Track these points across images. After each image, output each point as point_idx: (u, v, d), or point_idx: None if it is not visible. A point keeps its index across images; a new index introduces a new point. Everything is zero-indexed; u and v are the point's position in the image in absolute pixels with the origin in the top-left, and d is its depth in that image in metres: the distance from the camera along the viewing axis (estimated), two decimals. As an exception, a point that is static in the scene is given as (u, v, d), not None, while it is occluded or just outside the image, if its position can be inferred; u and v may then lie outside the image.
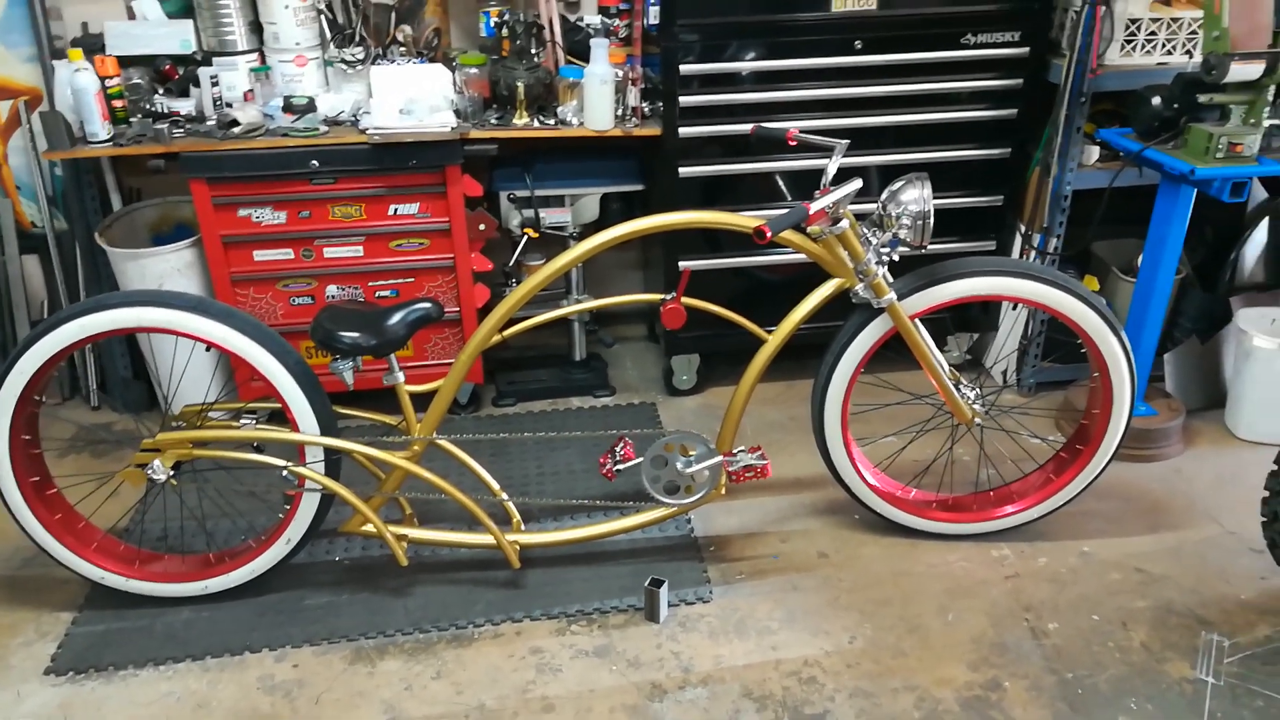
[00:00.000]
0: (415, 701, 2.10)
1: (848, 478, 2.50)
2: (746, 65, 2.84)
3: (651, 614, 2.30)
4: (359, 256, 2.92)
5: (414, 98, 2.83)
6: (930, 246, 3.12)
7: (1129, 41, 2.79)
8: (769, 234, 1.85)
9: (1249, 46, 2.39)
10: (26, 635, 2.29)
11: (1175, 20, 2.78)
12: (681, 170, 2.94)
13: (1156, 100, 2.59)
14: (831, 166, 2.22)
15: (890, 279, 2.30)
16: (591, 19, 3.05)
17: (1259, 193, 3.12)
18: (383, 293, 2.99)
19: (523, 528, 2.49)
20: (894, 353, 2.40)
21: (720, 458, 2.33)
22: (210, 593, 2.34)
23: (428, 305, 2.24)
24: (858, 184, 2.09)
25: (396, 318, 2.19)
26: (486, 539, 2.36)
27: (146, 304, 2.11)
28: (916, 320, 2.35)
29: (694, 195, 2.99)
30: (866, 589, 2.41)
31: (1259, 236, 3.14)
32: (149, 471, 2.17)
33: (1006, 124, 3.00)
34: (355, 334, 2.15)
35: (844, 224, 2.14)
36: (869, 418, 2.77)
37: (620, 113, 2.93)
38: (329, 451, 2.26)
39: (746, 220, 2.16)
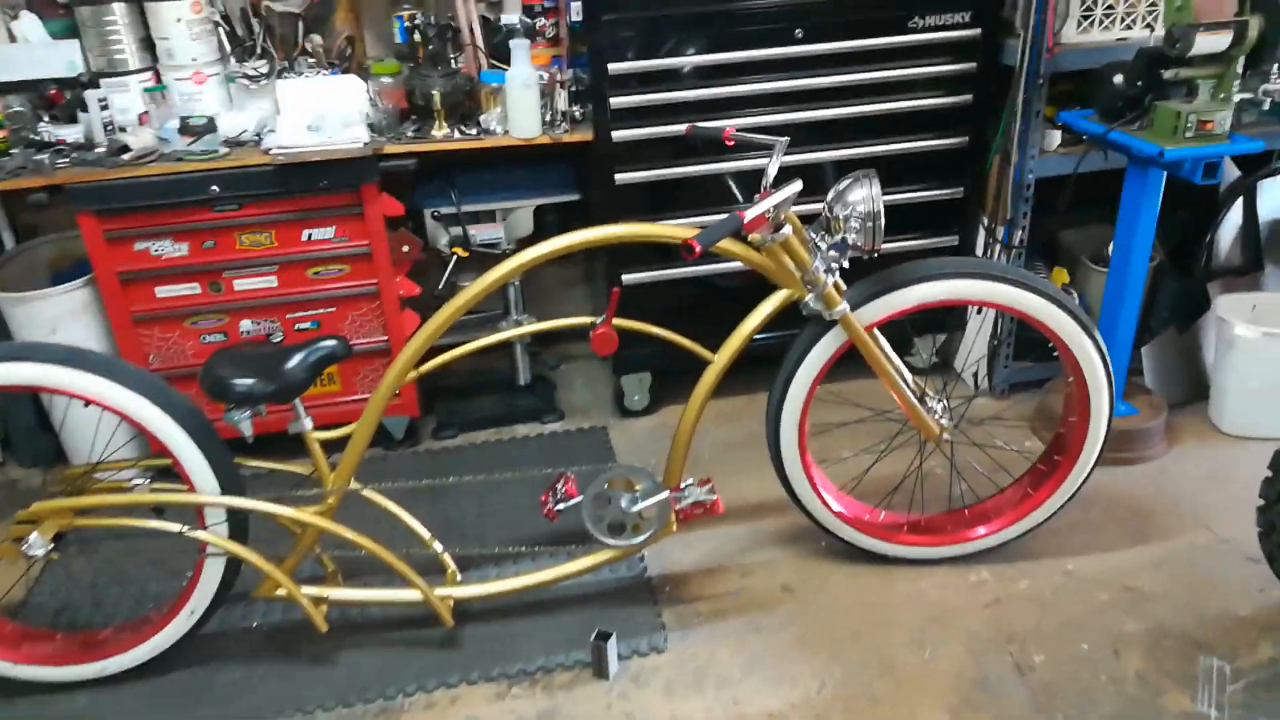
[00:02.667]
0: (335, 789, 1.87)
1: (809, 503, 2.29)
2: (680, 60, 2.63)
3: (600, 670, 2.09)
4: (273, 288, 2.69)
5: (323, 112, 2.61)
6: (890, 245, 2.96)
7: (1086, 17, 2.61)
8: (698, 248, 1.64)
9: (1213, 16, 2.21)
10: (-100, 735, 2.05)
11: (1135, -8, 2.61)
12: (618, 177, 2.73)
13: (1119, 79, 2.40)
14: (772, 167, 2.01)
15: (844, 286, 2.11)
16: (510, 19, 2.81)
17: (1232, 171, 2.95)
18: (303, 325, 2.76)
19: (459, 579, 2.27)
20: (856, 363, 2.19)
21: (668, 494, 2.12)
22: (109, 674, 2.10)
23: (332, 343, 2.02)
24: (797, 186, 1.88)
25: (296, 360, 1.96)
26: (416, 595, 2.13)
27: (7, 359, 1.88)
28: (875, 330, 2.16)
29: (638, 202, 2.78)
30: (835, 625, 2.21)
31: (1234, 218, 2.98)
32: (25, 546, 1.93)
33: (963, 111, 2.81)
34: (250, 380, 1.92)
35: (786, 230, 1.94)
36: (833, 435, 2.57)
37: (549, 118, 2.71)
38: (233, 510, 2.03)
39: (681, 232, 1.96)
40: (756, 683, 2.05)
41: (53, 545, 1.95)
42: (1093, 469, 2.24)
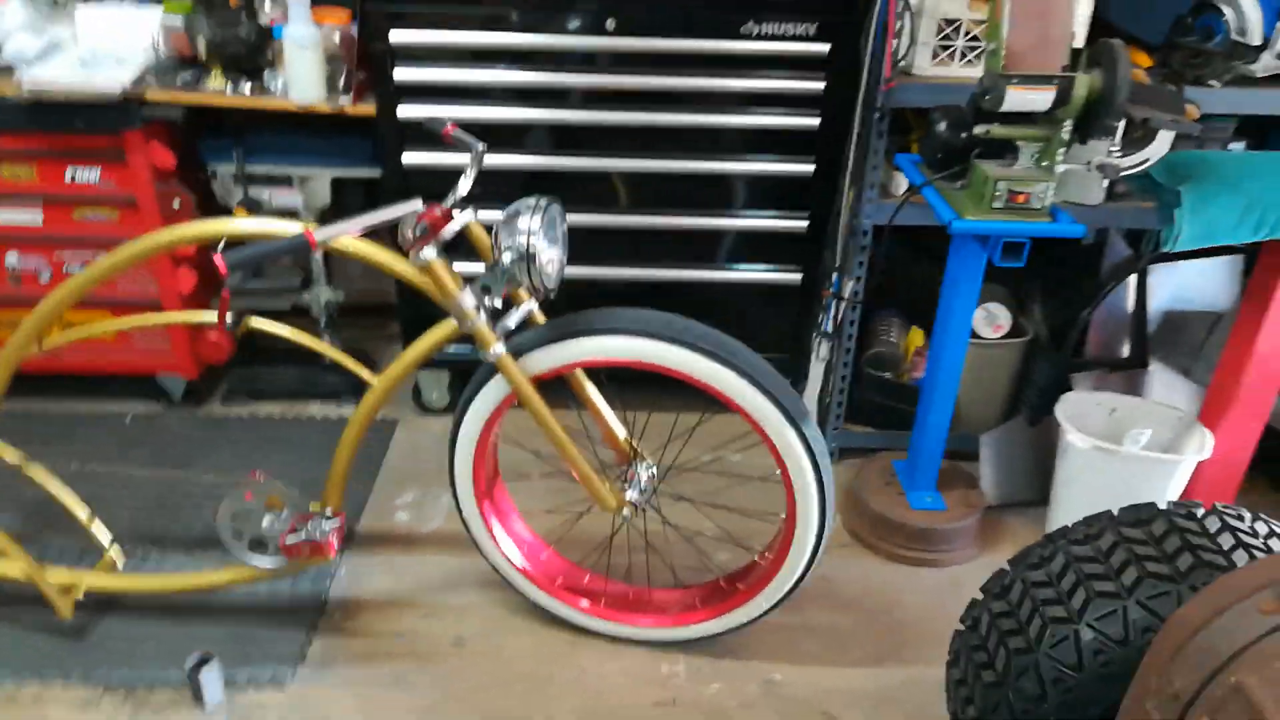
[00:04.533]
0: None
1: (487, 552, 2.05)
2: (472, 36, 2.34)
3: (197, 697, 1.91)
4: (38, 226, 2.56)
5: (103, 46, 2.44)
6: (731, 276, 2.64)
7: (945, 47, 2.22)
8: (224, 269, 1.40)
9: (1035, 65, 1.81)
10: None
11: (1004, 23, 2.19)
12: (406, 158, 2.48)
13: (943, 125, 2.02)
14: (465, 179, 1.76)
15: (541, 320, 1.84)
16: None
17: (1121, 247, 2.52)
18: (73, 266, 2.62)
19: (118, 566, 2.12)
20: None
21: (291, 522, 1.91)
22: None
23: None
24: (415, 205, 1.62)
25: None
26: (20, 575, 1.99)
27: None
28: (578, 372, 1.89)
29: (438, 187, 2.49)
30: (484, 696, 1.97)
31: (1123, 302, 2.55)
32: None
33: (809, 135, 2.45)
34: None
35: (426, 255, 1.67)
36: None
37: (343, 84, 2.48)
38: None
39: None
40: (351, 747, 1.84)
41: None
42: (800, 580, 1.91)
